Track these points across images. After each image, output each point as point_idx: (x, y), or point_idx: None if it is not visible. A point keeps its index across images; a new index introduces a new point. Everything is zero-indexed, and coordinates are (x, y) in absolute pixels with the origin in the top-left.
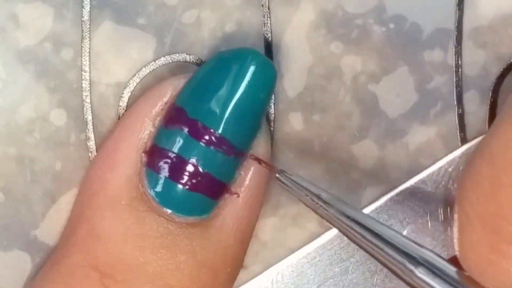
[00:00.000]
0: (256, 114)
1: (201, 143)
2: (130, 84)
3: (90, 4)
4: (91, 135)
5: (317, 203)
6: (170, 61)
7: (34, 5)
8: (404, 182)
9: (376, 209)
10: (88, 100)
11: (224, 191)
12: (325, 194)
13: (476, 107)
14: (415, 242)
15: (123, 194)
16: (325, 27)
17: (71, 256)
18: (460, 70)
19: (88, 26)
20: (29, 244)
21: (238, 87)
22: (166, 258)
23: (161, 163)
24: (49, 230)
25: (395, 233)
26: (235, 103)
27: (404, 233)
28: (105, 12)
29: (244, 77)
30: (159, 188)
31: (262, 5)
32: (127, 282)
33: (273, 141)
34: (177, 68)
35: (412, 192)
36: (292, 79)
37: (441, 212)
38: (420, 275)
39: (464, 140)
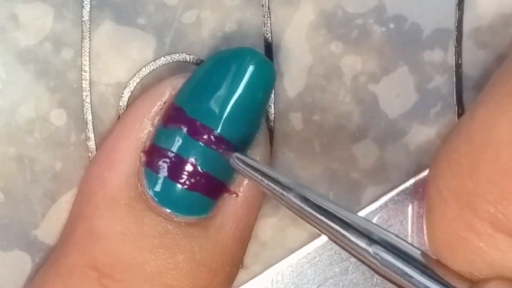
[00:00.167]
0: (255, 114)
1: (200, 143)
2: (130, 84)
3: (90, 4)
4: (91, 135)
5: (274, 188)
6: (170, 61)
7: (34, 5)
8: (404, 182)
9: (376, 209)
10: (88, 100)
11: (223, 190)
12: (283, 178)
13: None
14: (378, 226)
15: (122, 194)
16: (325, 27)
17: (70, 256)
18: (460, 70)
19: (88, 26)
20: (29, 244)
21: (237, 87)
22: (164, 258)
23: (160, 163)
24: (49, 230)
25: (358, 217)
26: (234, 103)
27: (405, 233)
28: (105, 12)
29: (243, 77)
30: (158, 188)
31: (262, 5)
32: (125, 281)
33: (273, 141)
34: (177, 68)
35: (412, 192)
36: (292, 79)
37: None
38: (374, 252)
39: None
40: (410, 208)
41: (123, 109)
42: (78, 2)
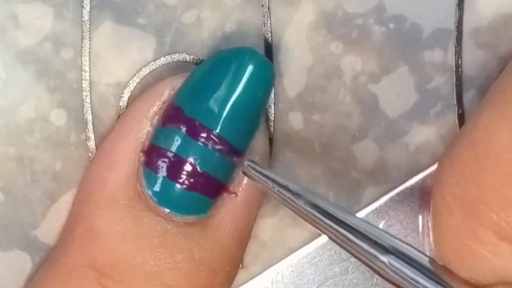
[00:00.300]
0: (254, 113)
1: (199, 143)
2: (130, 84)
3: (90, 4)
4: (91, 135)
5: (285, 195)
6: (170, 61)
7: (34, 5)
8: (404, 182)
9: (376, 209)
10: (88, 100)
11: (222, 190)
12: (293, 185)
13: (476, 107)
14: (386, 232)
15: (121, 193)
16: (325, 27)
17: (69, 255)
18: (460, 70)
19: (88, 26)
20: (29, 244)
21: (236, 86)
22: (163, 257)
23: (159, 162)
24: (49, 230)
25: (366, 223)
26: (233, 102)
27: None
28: (105, 12)
29: (242, 76)
30: (157, 188)
31: (262, 5)
32: (124, 281)
33: (273, 141)
34: (177, 68)
35: (412, 192)
36: (292, 79)
37: None
38: (389, 263)
39: None
40: (410, 208)
41: (123, 109)
42: (78, 2)
